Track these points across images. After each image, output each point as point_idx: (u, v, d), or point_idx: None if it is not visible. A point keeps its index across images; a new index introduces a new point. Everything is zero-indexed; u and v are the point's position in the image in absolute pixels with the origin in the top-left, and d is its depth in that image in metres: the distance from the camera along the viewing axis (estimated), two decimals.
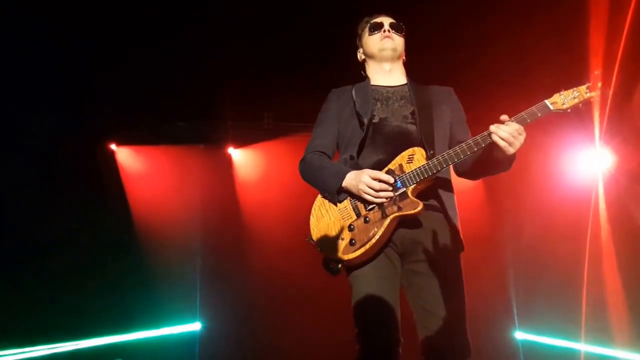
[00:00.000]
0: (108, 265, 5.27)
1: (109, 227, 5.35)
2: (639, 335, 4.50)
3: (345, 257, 2.26)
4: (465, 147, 2.21)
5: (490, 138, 2.15)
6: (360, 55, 2.70)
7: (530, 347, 5.61)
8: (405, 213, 2.23)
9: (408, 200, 2.24)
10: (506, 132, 2.10)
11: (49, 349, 4.96)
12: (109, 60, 4.84)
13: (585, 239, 4.91)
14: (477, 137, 2.21)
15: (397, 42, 2.58)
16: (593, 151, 5.03)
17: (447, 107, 2.52)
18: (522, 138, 2.13)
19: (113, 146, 5.82)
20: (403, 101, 2.49)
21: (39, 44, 4.62)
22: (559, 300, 5.12)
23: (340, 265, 2.29)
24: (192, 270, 5.71)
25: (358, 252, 2.24)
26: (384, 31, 2.56)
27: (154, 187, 5.82)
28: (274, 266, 5.52)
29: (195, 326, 5.71)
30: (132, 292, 5.26)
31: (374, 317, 2.24)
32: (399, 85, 2.56)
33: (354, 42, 2.76)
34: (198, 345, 5.66)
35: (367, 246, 2.23)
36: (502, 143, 2.11)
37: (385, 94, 2.53)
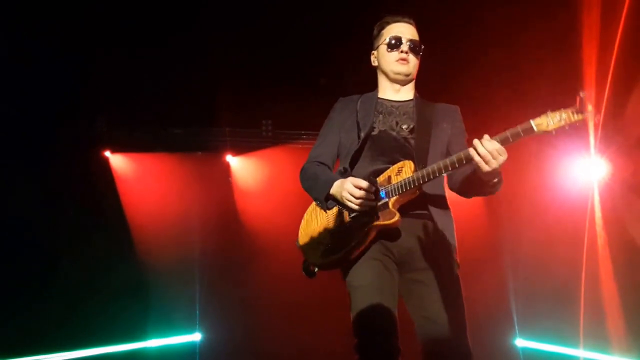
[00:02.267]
0: (106, 276, 5.19)
1: (105, 236, 5.29)
2: (637, 341, 4.53)
3: (321, 261, 2.32)
4: (448, 162, 2.19)
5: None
6: (373, 60, 2.65)
7: (531, 354, 5.62)
8: (382, 223, 2.26)
9: (387, 210, 2.26)
10: (485, 150, 2.07)
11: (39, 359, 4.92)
12: (105, 66, 4.82)
13: (582, 247, 4.95)
14: (461, 153, 2.18)
15: (412, 65, 2.52)
16: (588, 160, 5.07)
17: (448, 125, 2.53)
18: (502, 159, 2.07)
19: (107, 153, 5.74)
20: (405, 116, 2.52)
21: (33, 49, 4.61)
22: (559, 307, 5.14)
23: (316, 269, 2.34)
24: (191, 279, 5.67)
25: (334, 257, 2.30)
26: (401, 52, 2.49)
27: (151, 195, 5.76)
28: (273, 275, 5.48)
29: (195, 337, 5.67)
30: (131, 302, 5.21)
31: (373, 327, 2.24)
32: (405, 101, 2.58)
33: (363, 40, 2.70)
34: (198, 356, 5.63)
35: (343, 252, 2.28)
36: (477, 158, 2.08)
37: (389, 107, 2.55)
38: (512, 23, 4.49)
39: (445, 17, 4.50)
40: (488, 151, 2.06)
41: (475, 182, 2.27)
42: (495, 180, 2.19)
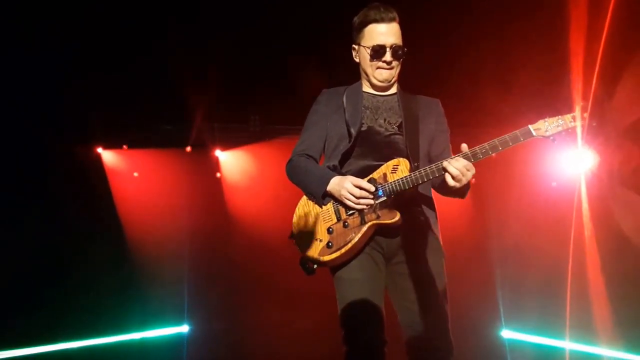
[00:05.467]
0: (96, 269, 5.21)
1: (95, 230, 5.34)
2: (622, 332, 4.58)
3: (321, 259, 2.31)
4: (441, 166, 2.24)
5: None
6: (355, 56, 2.60)
7: (517, 345, 5.66)
8: (382, 222, 2.28)
9: (387, 209, 2.28)
10: (456, 169, 2.17)
11: (34, 352, 4.94)
12: (95, 63, 4.82)
13: (569, 238, 4.99)
14: (441, 165, 2.25)
15: (395, 71, 2.51)
16: (576, 151, 5.10)
17: (432, 120, 2.55)
18: (470, 174, 2.19)
19: (100, 149, 5.80)
20: (392, 112, 2.52)
21: (27, 46, 4.59)
22: (545, 299, 5.20)
23: (315, 266, 2.33)
24: (179, 272, 5.70)
25: (333, 255, 2.29)
26: (384, 62, 2.45)
27: (141, 191, 5.81)
28: (261, 268, 5.55)
29: (183, 328, 5.71)
30: (120, 295, 5.26)
31: (359, 319, 2.28)
32: (389, 95, 2.59)
33: (350, 35, 2.62)
34: (185, 347, 5.67)
35: (343, 250, 2.28)
36: (448, 179, 2.19)
37: (375, 102, 2.55)
38: (499, 15, 4.49)
39: (432, 10, 4.49)
40: (458, 170, 2.17)
41: (446, 189, 2.33)
42: (464, 190, 2.30)
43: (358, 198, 2.26)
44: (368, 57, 2.48)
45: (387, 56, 2.45)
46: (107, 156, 5.83)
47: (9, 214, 4.87)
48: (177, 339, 5.66)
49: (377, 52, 2.45)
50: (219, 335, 5.59)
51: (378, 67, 2.48)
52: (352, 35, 2.59)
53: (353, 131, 2.44)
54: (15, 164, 4.96)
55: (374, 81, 2.53)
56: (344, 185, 2.29)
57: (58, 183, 5.11)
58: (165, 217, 5.67)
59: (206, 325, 5.67)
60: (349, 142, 2.44)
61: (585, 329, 4.81)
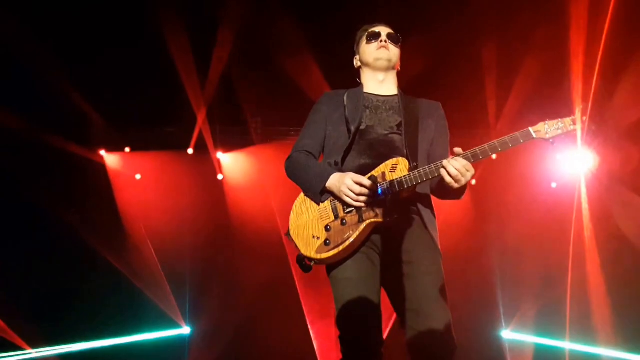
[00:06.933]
0: (97, 271, 5.26)
1: (98, 233, 5.36)
2: (622, 333, 4.58)
3: (318, 257, 2.29)
4: (440, 166, 2.25)
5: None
6: (356, 62, 2.69)
7: (517, 346, 5.67)
8: (380, 220, 2.27)
9: (386, 207, 2.27)
10: (455, 169, 2.16)
11: (37, 353, 4.97)
12: (98, 66, 4.85)
13: (569, 239, 5.00)
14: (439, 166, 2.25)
15: (393, 52, 2.58)
16: (575, 152, 5.12)
17: (433, 122, 2.56)
18: (469, 175, 2.18)
19: (102, 152, 5.85)
20: (392, 112, 2.53)
21: (26, 48, 4.61)
22: (545, 300, 5.20)
23: (312, 263, 2.32)
24: (181, 274, 5.73)
25: (331, 253, 2.27)
26: (381, 41, 2.56)
27: (143, 193, 5.84)
28: (262, 270, 5.53)
29: (185, 330, 5.75)
30: (122, 297, 5.30)
31: (356, 319, 2.26)
32: (390, 96, 2.60)
33: (351, 48, 2.74)
34: (187, 349, 5.70)
35: (341, 248, 2.27)
36: (448, 179, 2.18)
37: (376, 102, 2.56)
38: (499, 16, 4.52)
39: (433, 14, 4.51)
40: (458, 170, 2.15)
41: (443, 191, 2.33)
42: (462, 191, 2.28)
43: (358, 195, 2.26)
44: (365, 43, 2.60)
45: (383, 37, 2.57)
46: (110, 159, 5.88)
47: (12, 218, 4.91)
48: (179, 341, 5.68)
49: (373, 35, 2.58)
50: (220, 337, 5.59)
51: (377, 49, 2.56)
52: (354, 49, 2.70)
53: (352, 128, 2.45)
54: (18, 166, 5.00)
55: (374, 62, 2.57)
56: (344, 181, 2.29)
57: (61, 185, 5.15)
58: (167, 219, 5.71)
59: (208, 327, 5.68)
60: (348, 138, 2.45)
61: (585, 330, 4.82)
